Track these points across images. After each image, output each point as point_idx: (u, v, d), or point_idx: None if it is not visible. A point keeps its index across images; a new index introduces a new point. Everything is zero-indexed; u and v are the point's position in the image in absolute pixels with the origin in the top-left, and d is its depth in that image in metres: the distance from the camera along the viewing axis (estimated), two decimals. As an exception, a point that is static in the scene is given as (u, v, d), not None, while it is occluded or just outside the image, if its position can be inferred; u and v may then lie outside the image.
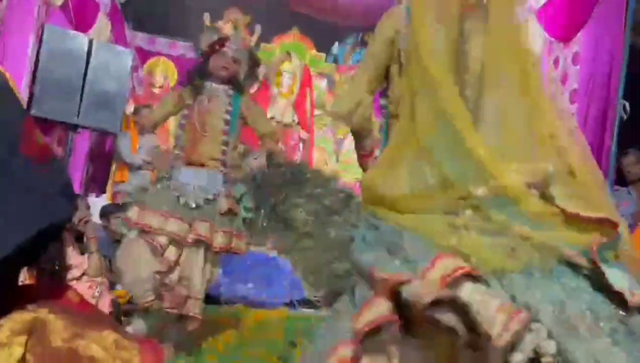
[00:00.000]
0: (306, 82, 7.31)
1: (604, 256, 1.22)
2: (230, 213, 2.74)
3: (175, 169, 2.73)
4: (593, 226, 1.26)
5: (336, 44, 8.15)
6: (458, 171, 1.27)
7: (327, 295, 2.01)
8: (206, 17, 7.68)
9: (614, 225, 1.27)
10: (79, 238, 3.17)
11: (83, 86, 4.97)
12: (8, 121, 0.97)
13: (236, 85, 2.82)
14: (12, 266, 0.98)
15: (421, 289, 1.12)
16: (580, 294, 1.19)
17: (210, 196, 2.71)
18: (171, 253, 2.61)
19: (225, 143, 2.74)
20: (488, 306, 1.12)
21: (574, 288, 1.20)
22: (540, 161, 1.34)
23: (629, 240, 1.33)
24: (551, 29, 4.85)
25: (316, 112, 7.29)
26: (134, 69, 6.38)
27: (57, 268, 2.49)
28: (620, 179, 3.79)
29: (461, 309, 1.11)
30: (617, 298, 1.18)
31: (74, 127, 5.00)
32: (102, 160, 6.23)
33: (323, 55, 7.73)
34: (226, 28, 7.65)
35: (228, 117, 2.72)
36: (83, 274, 3.01)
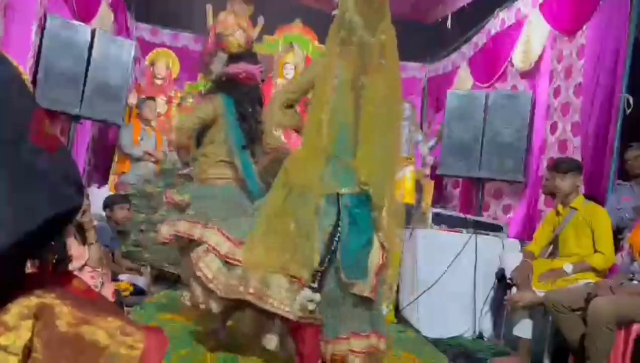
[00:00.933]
0: (309, 74, 7.29)
1: None
2: None
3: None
4: None
5: (339, 36, 8.12)
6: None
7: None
8: (209, 9, 7.66)
9: None
10: (78, 228, 3.17)
11: (85, 77, 4.97)
12: (18, 110, 0.98)
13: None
14: (19, 255, 0.99)
15: None
16: None
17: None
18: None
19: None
20: None
21: None
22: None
23: None
24: (555, 22, 4.83)
25: (319, 104, 7.28)
26: (137, 60, 6.37)
27: (59, 259, 2.49)
28: (625, 174, 3.78)
29: None
30: None
31: (76, 118, 5.01)
32: (104, 151, 6.24)
33: (326, 47, 7.71)
34: (229, 19, 7.63)
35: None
36: (84, 265, 3.01)
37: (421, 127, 6.40)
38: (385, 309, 3.20)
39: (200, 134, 3.07)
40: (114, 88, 5.15)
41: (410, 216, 4.32)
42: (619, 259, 3.19)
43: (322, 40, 7.65)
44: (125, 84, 5.29)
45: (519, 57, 5.32)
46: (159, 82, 7.11)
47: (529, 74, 5.26)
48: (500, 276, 3.78)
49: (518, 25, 5.41)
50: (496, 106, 5.14)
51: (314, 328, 2.05)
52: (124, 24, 6.49)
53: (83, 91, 4.95)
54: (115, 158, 5.94)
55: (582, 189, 3.53)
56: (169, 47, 7.52)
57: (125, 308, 3.21)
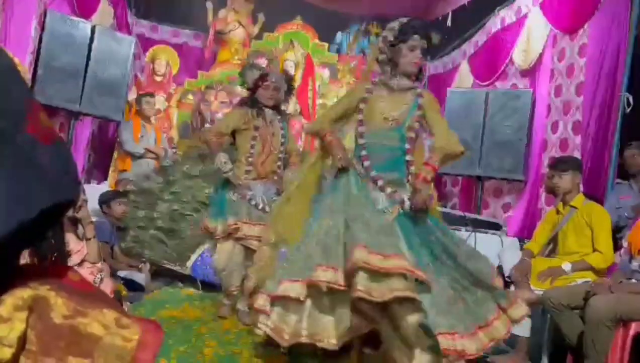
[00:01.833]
0: (309, 71, 7.28)
1: None
2: None
3: (251, 182, 3.16)
4: None
5: (339, 33, 8.11)
6: None
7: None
8: (209, 6, 7.65)
9: None
10: (76, 224, 3.17)
11: (85, 73, 4.96)
12: (14, 100, 0.97)
13: (279, 110, 3.32)
14: (14, 245, 0.98)
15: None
16: None
17: (273, 202, 3.11)
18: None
19: (280, 159, 3.24)
20: None
21: None
22: None
23: None
24: (556, 21, 4.82)
25: (318, 101, 7.27)
26: (137, 56, 6.36)
27: (58, 254, 2.49)
28: (624, 173, 3.78)
29: None
30: None
31: (76, 115, 5.00)
32: (104, 147, 6.24)
33: (326, 44, 7.70)
34: (229, 16, 7.62)
35: (283, 139, 3.24)
36: (83, 260, 3.01)
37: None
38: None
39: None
40: (114, 84, 5.14)
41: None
42: (618, 258, 3.19)
43: (321, 38, 7.65)
44: (125, 81, 5.29)
45: (520, 55, 5.31)
46: (158, 78, 7.10)
47: (530, 73, 5.26)
48: (499, 274, 3.78)
49: (519, 23, 5.40)
50: (496, 105, 5.14)
51: None
52: (124, 20, 6.48)
53: (83, 87, 4.94)
54: (115, 155, 5.93)
55: (581, 187, 3.53)
56: (169, 44, 7.52)
57: (124, 305, 3.21)
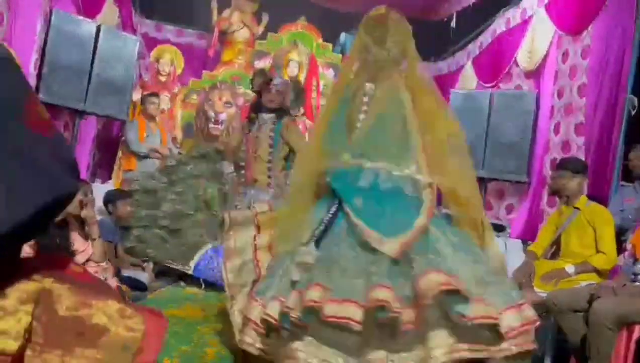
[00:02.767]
0: (313, 71, 7.28)
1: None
2: None
3: (243, 187, 3.34)
4: None
5: (343, 33, 8.11)
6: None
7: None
8: (214, 5, 7.66)
9: None
10: (81, 223, 3.18)
11: (90, 72, 4.97)
12: (11, 92, 0.97)
13: (281, 112, 3.42)
14: (17, 239, 0.99)
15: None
16: None
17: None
18: None
19: (269, 161, 3.32)
20: None
21: None
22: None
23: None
24: (561, 22, 4.81)
25: (322, 102, 7.27)
26: (141, 56, 6.38)
27: (62, 253, 2.51)
28: (628, 175, 3.77)
29: None
30: None
31: (81, 114, 5.02)
32: (109, 146, 6.25)
33: (330, 45, 7.70)
34: (234, 16, 7.63)
35: (271, 141, 3.32)
36: (88, 260, 3.03)
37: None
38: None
39: None
40: (119, 84, 5.16)
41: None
42: (622, 260, 3.18)
43: (326, 38, 7.65)
44: (130, 80, 5.30)
45: (524, 57, 5.30)
46: (163, 78, 7.11)
47: (534, 74, 5.25)
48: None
49: (523, 25, 5.39)
50: (500, 106, 5.13)
51: None
52: (129, 20, 6.50)
53: (88, 86, 4.96)
54: (119, 154, 5.94)
55: (585, 189, 3.53)
56: (174, 44, 7.54)
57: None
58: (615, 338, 2.60)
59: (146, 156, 5.54)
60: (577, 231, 3.25)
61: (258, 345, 1.85)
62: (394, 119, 2.08)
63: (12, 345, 0.92)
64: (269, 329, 1.78)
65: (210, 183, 4.13)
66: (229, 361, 2.56)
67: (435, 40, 7.06)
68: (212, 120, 6.03)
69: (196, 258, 4.16)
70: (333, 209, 1.92)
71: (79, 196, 2.95)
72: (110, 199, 4.36)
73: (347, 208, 1.88)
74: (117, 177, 5.72)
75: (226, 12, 7.65)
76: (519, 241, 4.25)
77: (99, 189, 4.58)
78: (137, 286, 3.90)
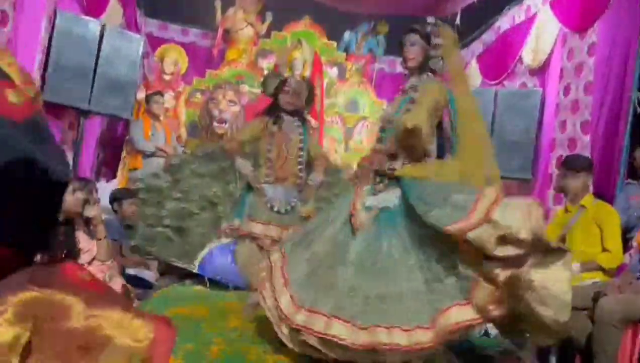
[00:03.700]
0: (317, 70, 7.27)
1: None
2: (309, 218, 3.24)
3: (267, 184, 3.40)
4: None
5: (348, 32, 8.10)
6: None
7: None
8: (218, 5, 7.67)
9: None
10: (86, 223, 3.19)
11: (94, 72, 4.98)
12: None
13: (300, 115, 3.50)
14: (24, 244, 0.98)
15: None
16: None
17: (292, 205, 3.38)
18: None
19: (301, 163, 3.43)
20: None
21: None
22: None
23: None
24: (566, 19, 4.79)
25: (326, 101, 7.27)
26: (145, 55, 6.38)
27: (68, 253, 2.51)
28: (634, 173, 3.75)
29: None
30: None
31: (85, 113, 5.03)
32: (113, 146, 6.26)
33: (334, 43, 7.69)
34: (238, 15, 7.64)
35: (301, 144, 3.42)
36: (93, 259, 3.04)
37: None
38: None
39: None
40: (123, 83, 5.16)
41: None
42: (628, 258, 3.17)
43: (330, 37, 7.64)
44: (134, 79, 5.31)
45: (529, 54, 5.28)
46: (167, 77, 7.13)
47: (539, 72, 5.22)
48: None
49: (528, 22, 5.37)
50: (505, 104, 5.10)
51: None
52: (133, 20, 6.51)
53: (92, 86, 4.96)
54: (124, 153, 5.95)
55: (590, 187, 3.51)
56: (178, 43, 7.55)
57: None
58: (621, 336, 2.59)
59: (152, 154, 5.55)
60: (583, 230, 3.24)
61: None
62: None
63: (14, 357, 0.91)
64: None
65: (215, 182, 4.13)
66: (234, 359, 2.56)
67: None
68: (216, 119, 6.03)
69: (201, 256, 4.17)
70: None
71: (83, 195, 2.96)
72: (115, 198, 4.37)
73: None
74: (122, 176, 5.74)
75: (230, 11, 7.65)
76: (524, 239, 4.23)
77: (104, 188, 4.60)
78: (142, 284, 3.91)
